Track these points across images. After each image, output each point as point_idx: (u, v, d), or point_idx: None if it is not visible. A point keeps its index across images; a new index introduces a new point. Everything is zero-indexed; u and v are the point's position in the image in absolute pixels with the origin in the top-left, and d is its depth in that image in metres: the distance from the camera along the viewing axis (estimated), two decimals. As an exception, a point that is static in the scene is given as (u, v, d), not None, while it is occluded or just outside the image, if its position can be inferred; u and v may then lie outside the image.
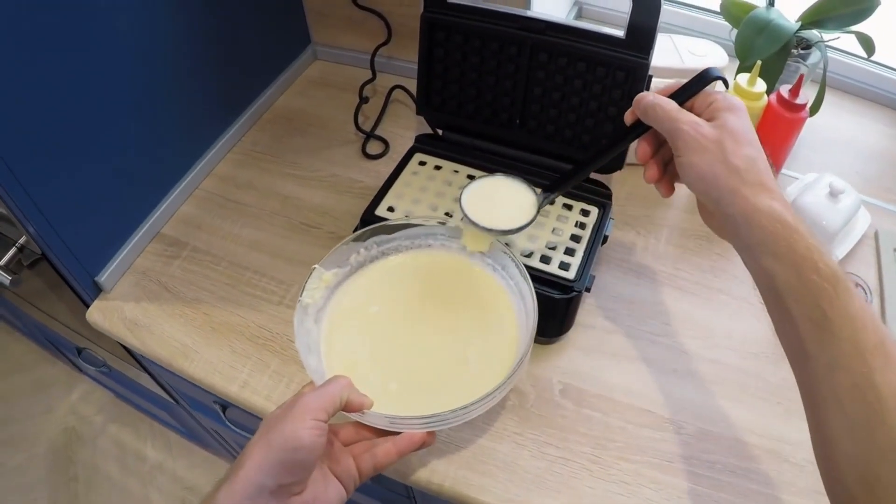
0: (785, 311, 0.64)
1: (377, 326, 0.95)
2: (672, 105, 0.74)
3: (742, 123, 0.71)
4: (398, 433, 0.80)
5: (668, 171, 0.81)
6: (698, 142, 0.70)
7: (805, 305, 0.62)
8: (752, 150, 0.69)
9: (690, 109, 0.76)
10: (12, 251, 1.12)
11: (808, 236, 0.64)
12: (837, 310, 0.60)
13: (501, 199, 0.94)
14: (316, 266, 0.92)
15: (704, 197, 0.73)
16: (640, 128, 0.79)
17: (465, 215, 0.92)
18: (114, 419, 2.52)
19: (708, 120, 0.72)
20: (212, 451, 2.35)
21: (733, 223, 0.69)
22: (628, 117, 0.80)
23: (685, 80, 0.77)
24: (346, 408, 0.75)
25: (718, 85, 0.78)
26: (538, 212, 0.92)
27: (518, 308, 0.94)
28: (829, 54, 1.25)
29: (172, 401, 1.69)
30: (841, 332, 0.59)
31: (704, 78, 0.75)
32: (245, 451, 0.68)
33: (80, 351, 1.86)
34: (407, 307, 0.97)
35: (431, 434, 0.81)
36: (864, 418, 0.57)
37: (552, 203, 1.01)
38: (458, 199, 0.93)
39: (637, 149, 0.80)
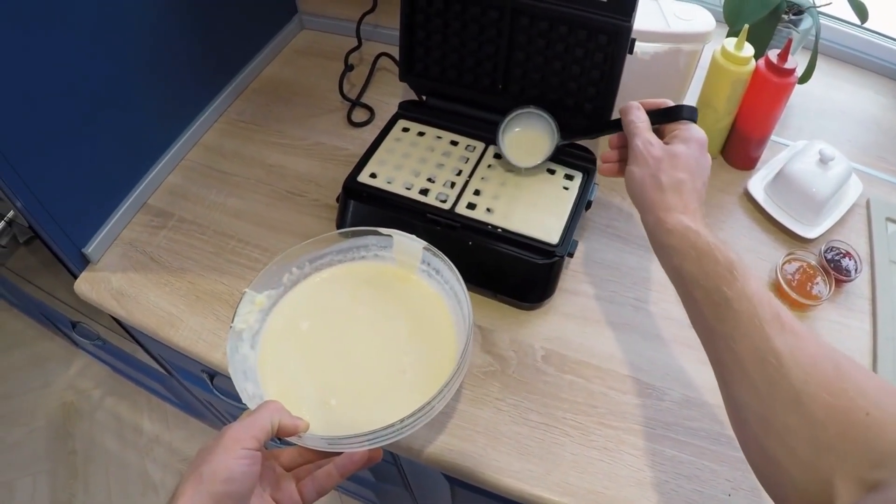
0: (692, 298, 0.73)
1: (310, 343, 0.92)
2: (644, 124, 0.86)
3: (688, 152, 0.82)
4: (340, 453, 0.77)
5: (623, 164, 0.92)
6: (643, 156, 0.83)
7: (707, 291, 0.71)
8: (684, 174, 0.80)
9: (661, 131, 0.88)
10: (0, 225, 1.12)
11: (708, 235, 0.74)
12: (736, 291, 0.68)
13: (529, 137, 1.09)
14: (247, 290, 0.90)
15: (634, 202, 0.85)
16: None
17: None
18: (111, 393, 2.54)
19: (666, 143, 0.84)
20: (207, 423, 2.36)
21: (648, 228, 0.81)
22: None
23: (671, 104, 0.88)
24: (280, 432, 0.73)
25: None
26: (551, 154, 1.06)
27: (454, 313, 0.92)
28: (821, 20, 1.23)
29: (165, 372, 1.69)
30: (740, 307, 0.67)
31: (677, 114, 0.87)
32: (177, 487, 0.66)
33: (74, 325, 1.87)
34: (339, 320, 0.95)
35: (376, 450, 0.77)
36: (766, 377, 0.64)
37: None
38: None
39: (611, 137, 0.94)
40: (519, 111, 1.07)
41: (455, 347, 0.89)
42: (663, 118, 0.87)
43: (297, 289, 0.97)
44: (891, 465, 0.55)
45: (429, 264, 0.95)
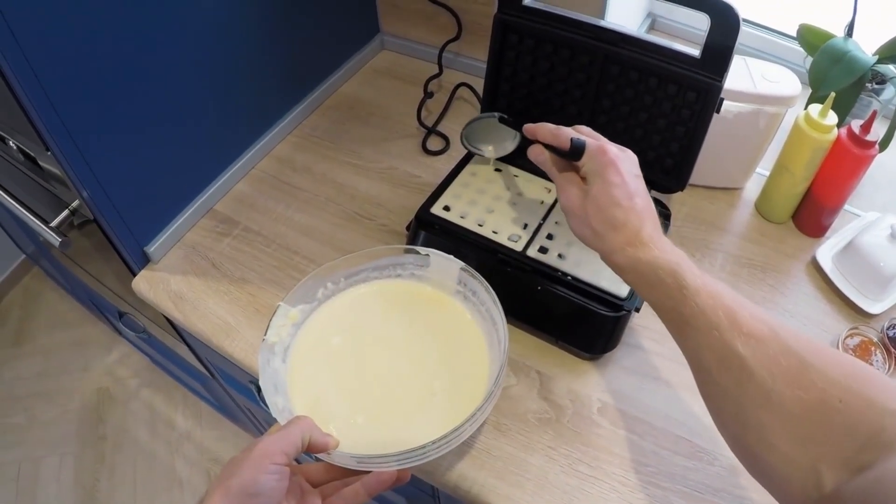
0: (663, 320, 0.78)
1: (341, 358, 0.92)
2: (555, 169, 0.89)
3: (604, 188, 0.81)
4: (368, 472, 0.78)
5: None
6: (571, 209, 0.84)
7: (668, 314, 0.75)
8: (612, 210, 0.80)
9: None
10: (64, 213, 1.13)
11: (656, 258, 0.76)
12: (690, 308, 0.71)
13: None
14: (281, 303, 0.90)
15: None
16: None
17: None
18: (148, 384, 2.57)
19: (583, 178, 0.85)
20: (241, 426, 2.37)
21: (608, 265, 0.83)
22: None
23: (565, 137, 0.87)
24: (310, 449, 0.73)
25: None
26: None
27: (489, 336, 0.92)
28: (903, 91, 1.22)
29: (208, 374, 1.70)
30: (697, 323, 0.70)
31: (574, 157, 0.85)
32: (204, 497, 0.66)
33: (121, 315, 1.89)
34: (371, 338, 0.95)
35: (404, 471, 0.78)
36: (734, 381, 0.67)
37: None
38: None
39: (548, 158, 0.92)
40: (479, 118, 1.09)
41: (488, 371, 0.89)
42: (561, 154, 0.88)
43: (330, 304, 0.97)
44: (874, 447, 0.57)
45: (465, 285, 0.94)
